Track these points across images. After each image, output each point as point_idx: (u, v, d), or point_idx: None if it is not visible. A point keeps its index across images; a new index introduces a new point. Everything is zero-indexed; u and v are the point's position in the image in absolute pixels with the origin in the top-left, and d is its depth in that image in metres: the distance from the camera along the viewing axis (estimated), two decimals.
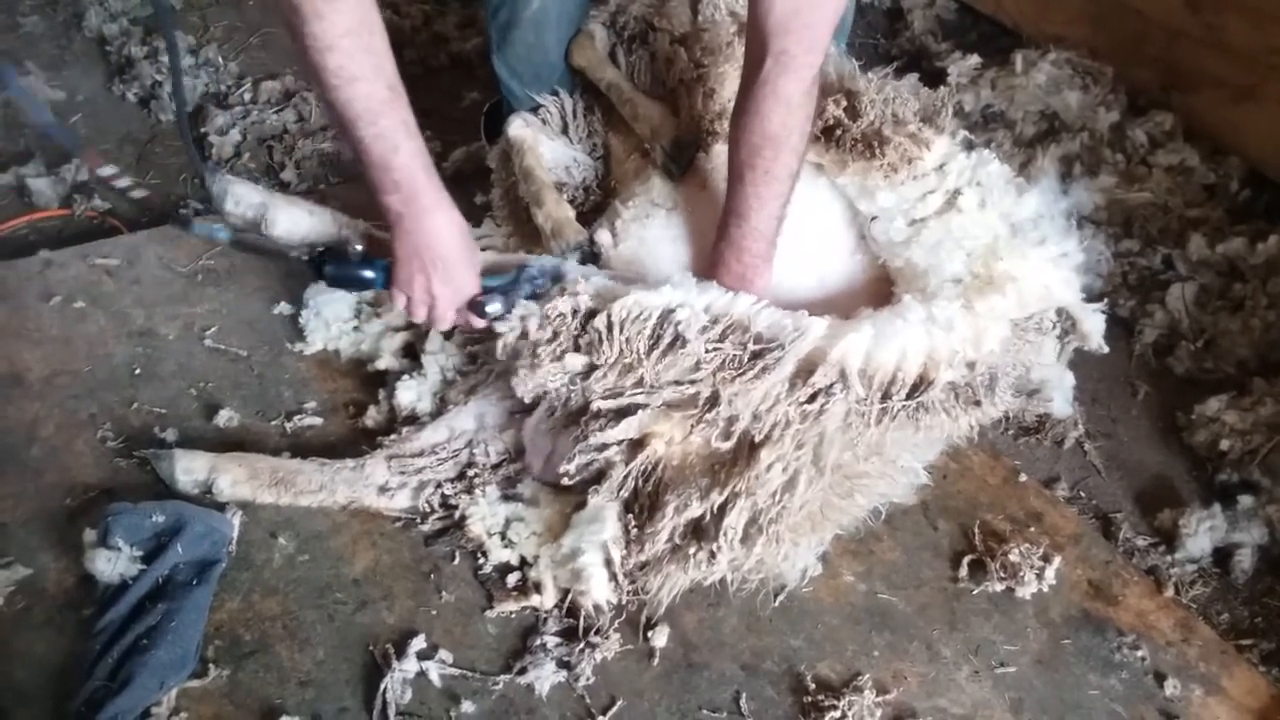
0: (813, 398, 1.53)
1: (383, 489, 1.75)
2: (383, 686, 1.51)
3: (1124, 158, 2.67)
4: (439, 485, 1.76)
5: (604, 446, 1.64)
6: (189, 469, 1.72)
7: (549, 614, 1.64)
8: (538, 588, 1.65)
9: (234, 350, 2.03)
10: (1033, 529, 1.87)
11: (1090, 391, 2.21)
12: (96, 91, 2.78)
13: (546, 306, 1.60)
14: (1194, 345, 2.29)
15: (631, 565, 1.63)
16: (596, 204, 2.08)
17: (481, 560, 1.70)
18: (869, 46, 3.30)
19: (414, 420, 1.86)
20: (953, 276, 1.65)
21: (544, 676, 1.56)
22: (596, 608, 1.62)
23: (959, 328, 1.58)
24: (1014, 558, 1.78)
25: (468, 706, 1.52)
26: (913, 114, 1.77)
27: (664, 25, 2.12)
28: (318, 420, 1.91)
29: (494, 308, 1.64)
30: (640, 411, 1.61)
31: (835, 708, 1.56)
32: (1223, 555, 1.93)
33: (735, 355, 1.54)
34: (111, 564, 1.56)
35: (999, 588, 1.77)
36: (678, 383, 1.58)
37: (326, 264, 1.71)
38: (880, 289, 1.76)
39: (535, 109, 2.15)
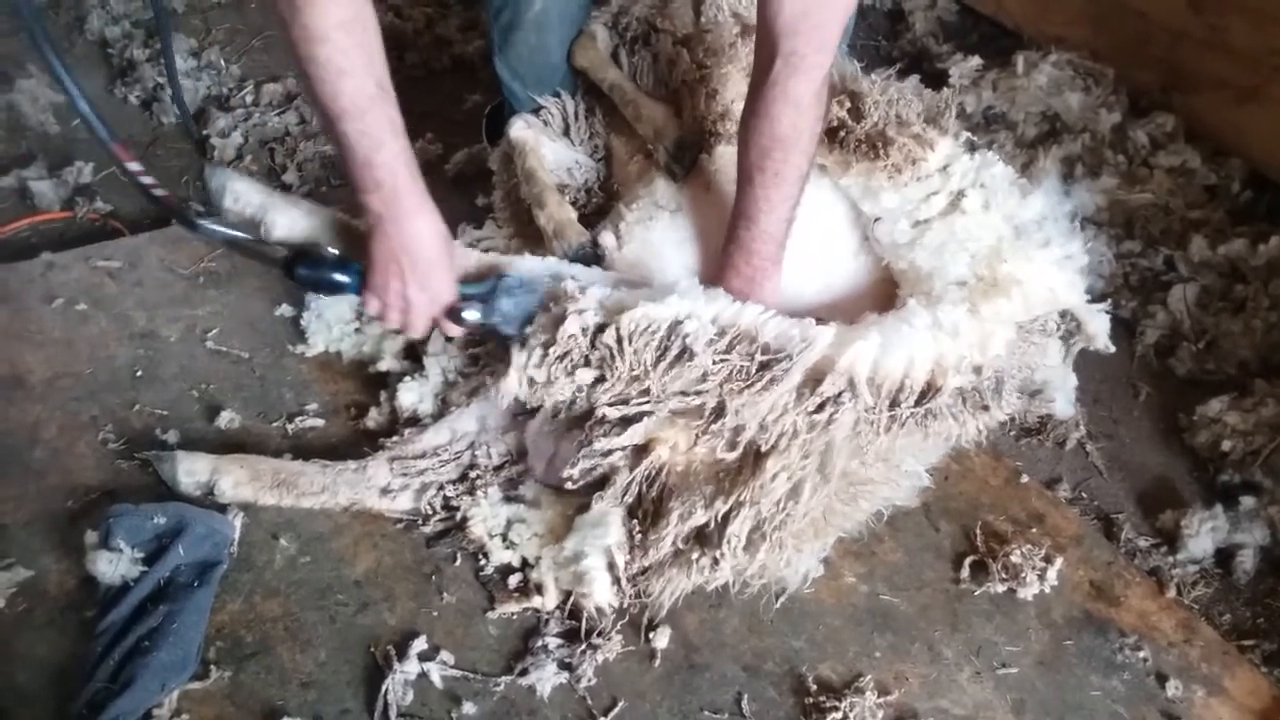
0: (821, 407, 1.52)
1: (384, 491, 1.75)
2: (384, 688, 1.51)
3: (1125, 159, 2.67)
4: (440, 487, 1.76)
5: (609, 452, 1.64)
6: (191, 471, 1.71)
7: (550, 615, 1.64)
8: (539, 589, 1.65)
9: (236, 352, 2.03)
10: (1034, 530, 1.87)
11: (1092, 392, 2.21)
12: (98, 94, 2.78)
13: (559, 331, 1.57)
14: (1195, 346, 2.29)
15: (634, 570, 1.63)
16: (599, 206, 2.08)
17: (483, 562, 1.70)
18: (870, 48, 3.30)
19: (416, 422, 1.86)
20: (957, 279, 1.65)
21: (545, 678, 1.55)
22: (598, 610, 1.62)
23: (965, 332, 1.58)
24: (1016, 559, 1.78)
25: (469, 708, 1.52)
26: (916, 115, 1.77)
27: (666, 26, 2.12)
28: (319, 422, 1.91)
29: (471, 315, 1.61)
30: (646, 419, 1.61)
31: (837, 709, 1.55)
32: (1224, 556, 1.93)
33: (743, 366, 1.53)
34: (113, 565, 1.56)
35: (1001, 589, 1.77)
36: (684, 393, 1.58)
37: (298, 266, 1.63)
38: (884, 290, 1.76)
39: (537, 111, 2.15)
